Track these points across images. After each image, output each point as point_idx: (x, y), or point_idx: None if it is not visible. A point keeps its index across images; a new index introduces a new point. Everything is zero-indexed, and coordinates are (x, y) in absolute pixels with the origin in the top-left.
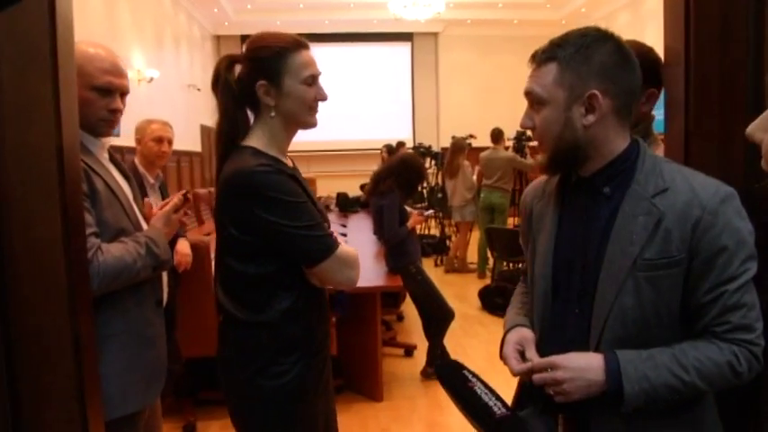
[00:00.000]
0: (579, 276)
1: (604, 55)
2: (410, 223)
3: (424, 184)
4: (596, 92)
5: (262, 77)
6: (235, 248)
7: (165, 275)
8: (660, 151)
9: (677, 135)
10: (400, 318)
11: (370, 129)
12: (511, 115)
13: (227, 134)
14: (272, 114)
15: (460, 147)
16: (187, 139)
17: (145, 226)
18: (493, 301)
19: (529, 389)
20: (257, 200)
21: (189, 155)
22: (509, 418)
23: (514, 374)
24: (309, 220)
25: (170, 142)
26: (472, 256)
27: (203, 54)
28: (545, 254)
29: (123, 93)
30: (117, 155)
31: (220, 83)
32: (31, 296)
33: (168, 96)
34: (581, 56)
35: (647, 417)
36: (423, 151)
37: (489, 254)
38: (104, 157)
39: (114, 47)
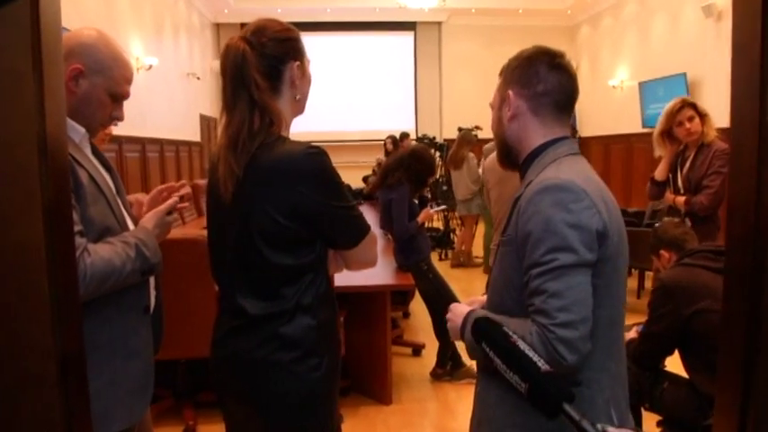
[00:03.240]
0: None
1: (524, 66)
2: (420, 218)
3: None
4: (510, 92)
5: (293, 58)
6: (275, 239)
7: (152, 279)
8: None
9: (749, 125)
10: (406, 315)
11: (372, 120)
12: None
13: (262, 122)
14: (298, 96)
15: (468, 139)
16: (186, 129)
17: (131, 224)
18: None
19: None
20: (311, 183)
21: (188, 144)
22: (553, 373)
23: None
24: (351, 200)
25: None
26: (477, 249)
27: (203, 42)
28: None
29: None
30: (114, 145)
31: (242, 68)
32: (10, 308)
33: (167, 85)
34: (511, 67)
35: None
36: (427, 143)
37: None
38: (88, 147)
39: (112, 33)
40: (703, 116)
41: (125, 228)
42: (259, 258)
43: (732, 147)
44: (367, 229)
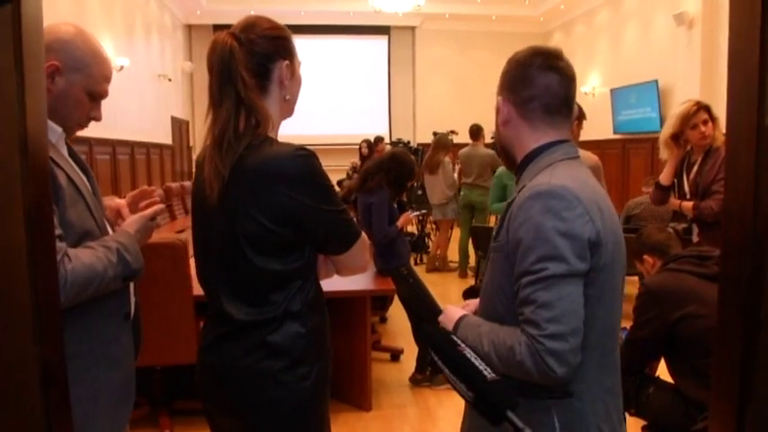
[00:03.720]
0: None
1: (514, 70)
2: (400, 222)
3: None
4: (499, 98)
5: (282, 57)
6: (263, 243)
7: (132, 284)
8: None
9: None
10: (383, 320)
11: (346, 124)
12: (489, 111)
13: (248, 121)
14: (287, 97)
15: (444, 143)
16: (158, 131)
17: (109, 229)
18: None
19: None
20: (300, 186)
21: (159, 147)
22: (499, 382)
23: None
24: (341, 203)
25: None
26: (452, 254)
27: (174, 43)
28: None
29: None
30: (84, 146)
31: (230, 64)
32: None
33: (138, 86)
34: (504, 71)
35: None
36: (402, 147)
37: (471, 252)
38: (64, 148)
39: None
40: (714, 120)
41: (104, 231)
42: (246, 263)
43: (728, 152)
44: (358, 233)
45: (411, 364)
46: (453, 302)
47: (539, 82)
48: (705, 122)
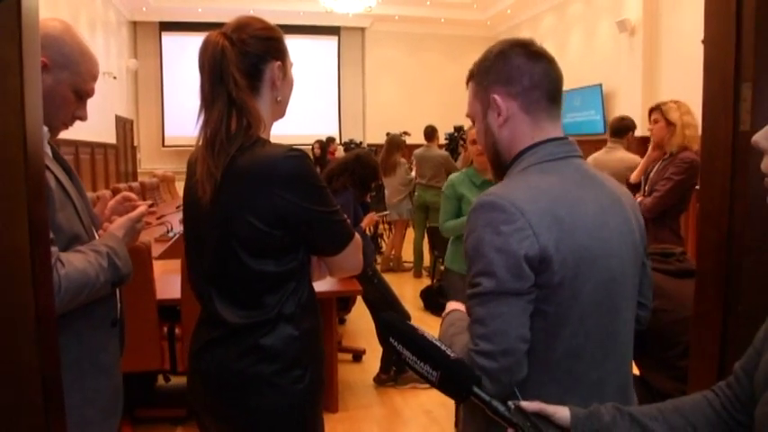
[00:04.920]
0: None
1: (499, 63)
2: (364, 223)
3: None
4: (495, 95)
5: (274, 58)
6: (256, 245)
7: (118, 290)
8: None
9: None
10: (342, 321)
11: (295, 124)
12: (437, 112)
13: (239, 122)
14: (279, 98)
15: (397, 144)
16: (101, 130)
17: (95, 233)
18: (436, 302)
19: None
20: (293, 187)
21: (103, 147)
22: (462, 360)
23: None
24: (335, 204)
25: None
26: (406, 254)
27: (119, 40)
28: None
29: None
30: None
31: (221, 64)
32: None
33: None
34: (483, 68)
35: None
36: (353, 147)
37: (427, 253)
38: (49, 148)
39: None
40: (670, 124)
41: (92, 236)
42: (239, 265)
43: (704, 156)
44: (351, 234)
45: (374, 364)
46: (409, 302)
47: (533, 69)
48: (655, 122)
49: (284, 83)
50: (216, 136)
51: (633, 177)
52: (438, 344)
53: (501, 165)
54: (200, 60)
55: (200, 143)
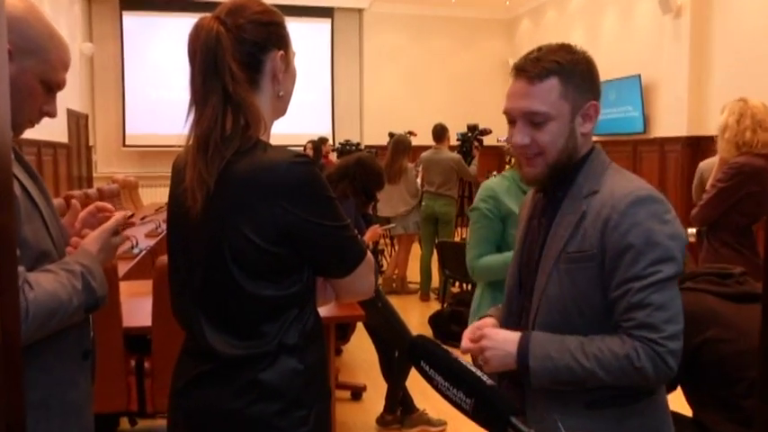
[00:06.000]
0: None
1: (591, 70)
2: (367, 237)
3: None
4: (595, 102)
5: (276, 47)
6: (255, 265)
7: (91, 316)
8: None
9: None
10: (338, 352)
11: (280, 122)
12: (448, 109)
13: (236, 121)
14: (281, 93)
15: (404, 146)
16: (50, 127)
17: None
18: (448, 330)
19: None
20: (299, 198)
21: (52, 146)
22: (498, 388)
23: (462, 352)
24: (345, 218)
25: None
26: (412, 274)
27: (70, 20)
28: (515, 254)
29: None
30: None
31: (216, 53)
32: None
33: None
34: (578, 71)
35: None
36: (349, 149)
37: (436, 272)
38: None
39: None
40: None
41: (61, 252)
42: (234, 288)
43: None
44: (363, 252)
45: (376, 403)
46: (416, 330)
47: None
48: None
49: (287, 75)
50: (209, 136)
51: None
52: (473, 369)
53: (565, 166)
54: (190, 49)
55: (191, 144)
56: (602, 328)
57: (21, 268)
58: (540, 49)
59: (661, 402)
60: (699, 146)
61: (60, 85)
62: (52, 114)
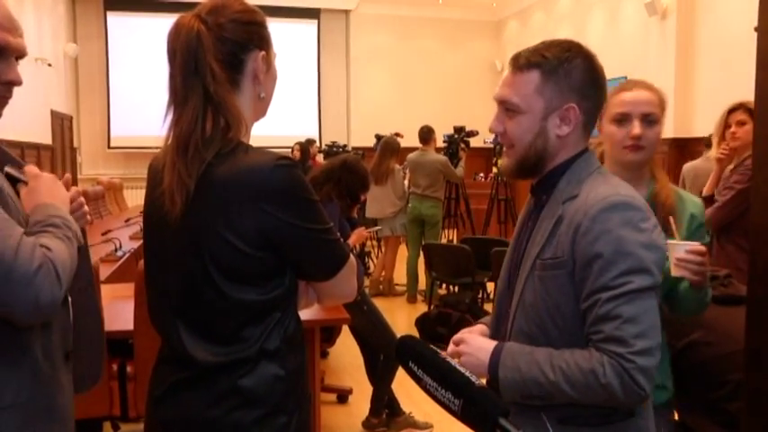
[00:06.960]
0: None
1: (583, 71)
2: (352, 240)
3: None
4: (574, 105)
5: (258, 47)
6: (236, 270)
7: (71, 315)
8: None
9: None
10: (324, 355)
11: (266, 124)
12: (435, 110)
13: (216, 123)
14: (262, 95)
15: (392, 147)
16: (34, 128)
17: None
18: (434, 331)
19: None
20: (284, 201)
21: (36, 148)
22: (487, 389)
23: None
24: (328, 221)
25: None
26: (399, 276)
27: (55, 20)
28: (507, 255)
29: (19, 57)
30: None
31: (197, 53)
32: None
33: None
34: (563, 69)
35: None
36: (336, 151)
37: (423, 274)
38: None
39: None
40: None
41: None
42: (214, 293)
43: (755, 163)
44: (346, 256)
45: (362, 406)
46: (403, 332)
47: (605, 87)
48: (741, 123)
49: (268, 76)
50: (189, 138)
51: (706, 190)
52: (462, 370)
53: (534, 167)
54: (169, 47)
55: (169, 145)
56: (578, 340)
57: (32, 239)
58: (545, 41)
59: (643, 428)
60: (686, 147)
61: (9, 47)
62: (17, 82)
